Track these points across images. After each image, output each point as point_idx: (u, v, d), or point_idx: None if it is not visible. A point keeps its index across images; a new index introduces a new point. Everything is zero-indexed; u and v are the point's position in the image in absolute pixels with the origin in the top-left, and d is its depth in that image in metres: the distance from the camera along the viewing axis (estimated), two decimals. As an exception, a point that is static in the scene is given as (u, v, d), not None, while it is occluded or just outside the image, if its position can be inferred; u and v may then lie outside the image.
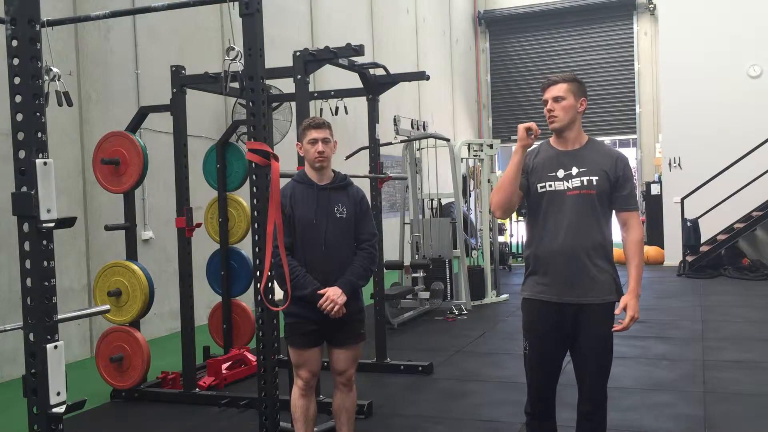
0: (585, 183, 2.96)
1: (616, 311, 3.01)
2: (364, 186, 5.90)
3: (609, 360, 3.07)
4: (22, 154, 2.01)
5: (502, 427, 4.29)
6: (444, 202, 10.29)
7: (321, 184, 3.46)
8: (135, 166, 5.03)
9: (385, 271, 6.08)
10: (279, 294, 3.49)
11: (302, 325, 3.40)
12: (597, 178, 2.96)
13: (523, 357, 3.14)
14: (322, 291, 3.33)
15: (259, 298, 3.38)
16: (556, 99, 2.98)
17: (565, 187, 2.97)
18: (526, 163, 3.06)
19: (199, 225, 5.31)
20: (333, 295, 3.31)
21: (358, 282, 3.44)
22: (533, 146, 3.10)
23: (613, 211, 3.07)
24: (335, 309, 3.31)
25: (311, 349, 3.43)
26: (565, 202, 2.96)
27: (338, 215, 3.43)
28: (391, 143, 7.77)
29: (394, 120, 7.52)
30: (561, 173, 2.99)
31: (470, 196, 11.15)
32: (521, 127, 2.96)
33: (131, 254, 5.21)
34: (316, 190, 3.45)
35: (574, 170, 2.98)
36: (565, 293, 2.96)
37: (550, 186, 2.99)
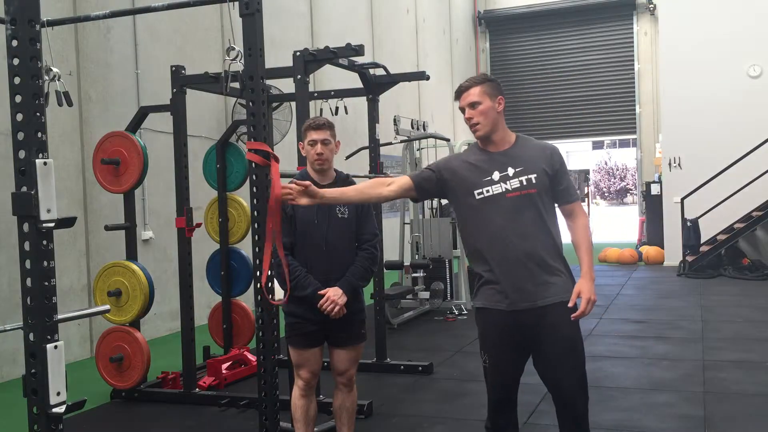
0: (524, 183, 2.82)
1: (571, 300, 2.83)
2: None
3: (582, 360, 2.89)
4: (22, 154, 2.01)
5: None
6: (444, 202, 10.29)
7: (322, 184, 3.46)
8: (135, 166, 5.03)
9: (385, 271, 6.08)
10: (279, 294, 3.49)
11: (303, 325, 3.40)
12: (535, 175, 2.83)
13: (483, 369, 2.99)
14: (322, 291, 3.32)
15: (259, 297, 3.38)
16: (472, 105, 2.85)
17: (504, 190, 2.82)
18: (444, 166, 2.94)
19: (199, 225, 5.31)
20: (333, 296, 3.31)
21: (358, 282, 3.43)
22: (459, 152, 3.03)
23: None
24: (335, 310, 3.31)
25: (311, 349, 3.43)
26: (505, 206, 2.81)
27: (339, 215, 3.43)
28: (391, 143, 7.77)
29: (394, 120, 7.52)
30: (497, 175, 2.84)
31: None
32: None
33: (131, 254, 5.21)
34: None
35: (510, 171, 2.84)
36: (521, 300, 2.80)
37: (488, 191, 2.83)
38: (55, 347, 2.01)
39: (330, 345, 3.49)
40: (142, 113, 5.37)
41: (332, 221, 3.40)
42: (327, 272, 3.37)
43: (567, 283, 2.87)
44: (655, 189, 13.56)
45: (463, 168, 2.91)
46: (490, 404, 2.99)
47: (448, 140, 8.68)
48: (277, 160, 3.33)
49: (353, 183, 3.56)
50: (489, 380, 2.97)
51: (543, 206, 2.84)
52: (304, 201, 2.94)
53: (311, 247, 3.39)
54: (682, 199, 11.45)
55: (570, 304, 2.82)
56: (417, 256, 8.56)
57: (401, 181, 2.97)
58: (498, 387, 2.95)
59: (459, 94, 2.91)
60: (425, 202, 9.03)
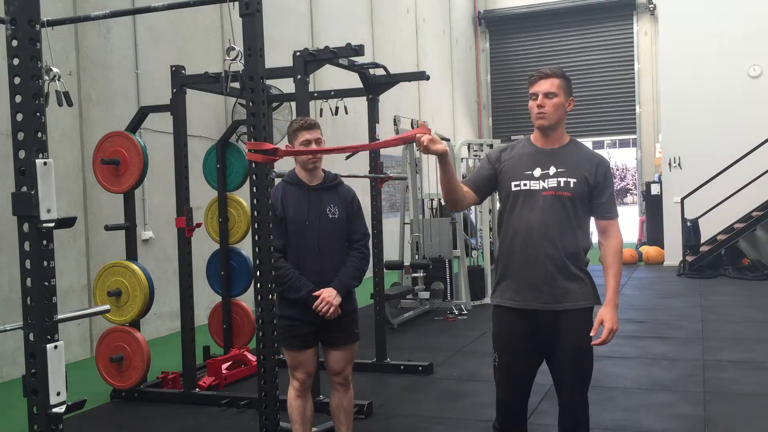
0: (561, 184, 2.79)
1: (593, 329, 2.79)
2: (365, 186, 5.91)
3: (588, 370, 2.91)
4: (22, 154, 2.01)
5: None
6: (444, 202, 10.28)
7: (312, 185, 3.46)
8: (135, 166, 5.03)
9: (385, 271, 6.08)
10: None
11: (297, 328, 3.40)
12: (575, 180, 2.79)
13: (493, 368, 2.96)
14: (317, 293, 3.33)
15: (259, 297, 3.38)
16: (548, 95, 2.79)
17: (541, 187, 2.80)
18: (497, 156, 2.93)
19: (199, 225, 5.31)
20: (328, 297, 3.31)
21: (351, 283, 3.44)
22: (512, 141, 3.03)
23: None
24: (330, 311, 3.31)
25: (306, 350, 3.43)
26: (538, 203, 2.79)
27: (330, 216, 3.43)
28: (391, 143, 7.76)
29: (394, 120, 7.52)
30: (538, 172, 2.82)
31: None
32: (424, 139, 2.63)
33: (131, 254, 5.21)
34: (307, 190, 3.45)
35: (552, 170, 2.81)
36: (536, 299, 2.79)
37: (525, 185, 2.82)
38: (55, 347, 2.01)
39: (324, 346, 3.50)
40: (142, 113, 5.37)
41: (324, 222, 3.41)
42: (320, 273, 3.38)
43: (587, 291, 2.84)
44: (655, 189, 13.56)
45: (509, 158, 2.91)
46: (498, 404, 2.97)
47: (448, 140, 8.68)
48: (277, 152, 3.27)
49: (342, 183, 3.56)
50: (498, 380, 2.95)
51: (574, 212, 2.81)
52: (439, 147, 2.63)
53: (303, 248, 3.39)
54: (682, 199, 11.44)
55: (592, 333, 2.79)
56: (417, 256, 8.56)
57: (470, 196, 2.92)
58: (506, 387, 2.93)
59: (536, 79, 2.83)
60: (425, 201, 9.04)
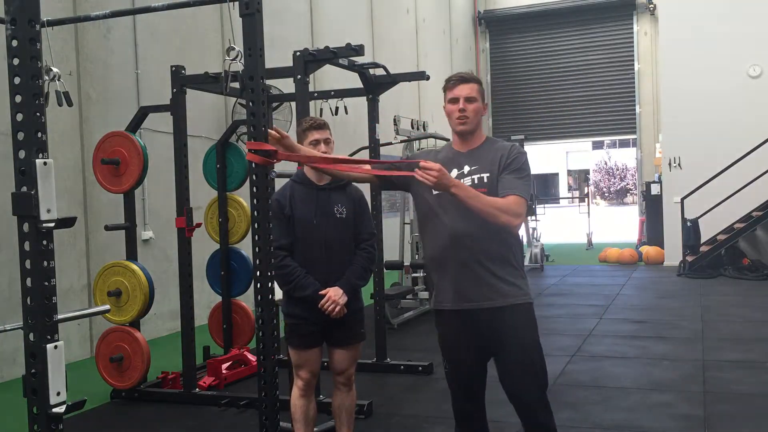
0: (476, 181, 2.75)
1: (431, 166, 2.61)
2: (365, 185, 5.90)
3: (539, 365, 2.79)
4: (22, 154, 2.01)
5: (502, 426, 4.29)
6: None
7: (320, 184, 3.47)
8: (135, 166, 5.03)
9: (385, 271, 6.08)
10: (279, 294, 3.50)
11: (302, 326, 3.41)
12: (488, 174, 2.74)
13: (445, 374, 2.93)
14: (323, 292, 3.33)
15: (259, 297, 3.38)
16: (469, 99, 2.81)
17: None
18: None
19: (199, 225, 5.31)
20: (334, 296, 3.32)
21: (358, 282, 3.44)
22: (437, 147, 3.00)
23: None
24: (336, 309, 3.32)
25: (311, 349, 3.44)
26: (457, 204, 2.69)
27: (338, 215, 3.44)
28: (391, 143, 7.77)
29: (394, 120, 7.52)
30: (454, 173, 2.78)
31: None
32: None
33: (131, 254, 5.21)
34: (315, 190, 3.45)
35: (466, 169, 2.79)
36: (463, 300, 2.75)
37: None
38: (55, 347, 2.01)
39: (329, 345, 3.50)
40: (142, 113, 5.37)
41: (331, 221, 3.42)
42: (326, 272, 3.38)
43: (514, 286, 2.76)
44: (655, 189, 13.56)
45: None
46: (455, 412, 2.93)
47: (448, 140, 8.65)
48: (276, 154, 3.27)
49: (349, 183, 3.56)
50: (450, 385, 2.93)
51: None
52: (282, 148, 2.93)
53: (311, 247, 3.40)
54: (682, 199, 11.44)
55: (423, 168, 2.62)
56: (417, 256, 8.55)
57: (368, 177, 3.00)
58: (458, 391, 2.90)
59: (456, 83, 2.86)
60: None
